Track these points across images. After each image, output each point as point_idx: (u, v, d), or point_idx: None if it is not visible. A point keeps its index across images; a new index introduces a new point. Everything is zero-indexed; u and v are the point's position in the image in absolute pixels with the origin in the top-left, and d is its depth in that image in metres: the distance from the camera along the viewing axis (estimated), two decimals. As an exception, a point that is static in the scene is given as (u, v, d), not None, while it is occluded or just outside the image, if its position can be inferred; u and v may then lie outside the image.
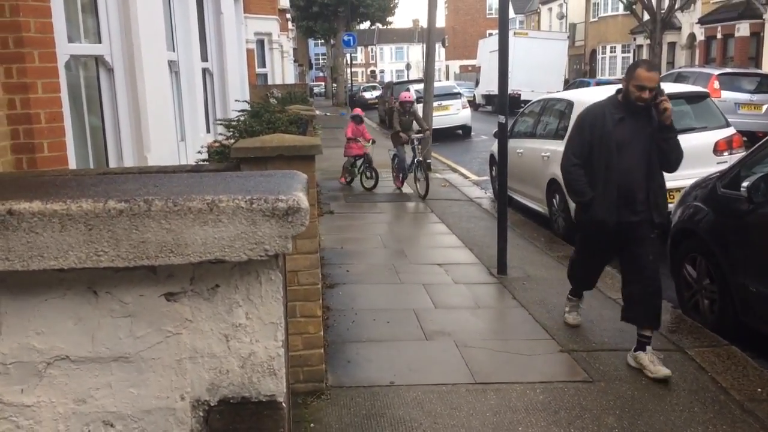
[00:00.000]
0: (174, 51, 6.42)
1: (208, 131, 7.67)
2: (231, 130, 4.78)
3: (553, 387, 4.06)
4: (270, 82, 18.34)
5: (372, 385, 4.11)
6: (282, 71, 22.33)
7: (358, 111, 12.14)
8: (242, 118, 5.53)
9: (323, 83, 60.75)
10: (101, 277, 1.21)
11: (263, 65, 18.97)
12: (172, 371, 1.24)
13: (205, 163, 4.51)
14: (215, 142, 5.45)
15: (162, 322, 1.22)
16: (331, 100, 43.60)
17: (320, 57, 69.41)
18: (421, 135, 10.74)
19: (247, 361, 1.25)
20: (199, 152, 5.61)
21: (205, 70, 8.00)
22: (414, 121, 10.96)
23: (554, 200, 8.00)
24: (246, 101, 7.58)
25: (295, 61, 34.42)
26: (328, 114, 30.22)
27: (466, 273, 6.54)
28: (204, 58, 7.93)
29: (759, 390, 3.93)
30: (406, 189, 11.16)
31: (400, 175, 11.00)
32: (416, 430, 3.58)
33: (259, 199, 1.15)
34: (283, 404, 1.26)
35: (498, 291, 6.05)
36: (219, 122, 5.40)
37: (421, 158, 10.50)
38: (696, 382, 4.07)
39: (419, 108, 12.99)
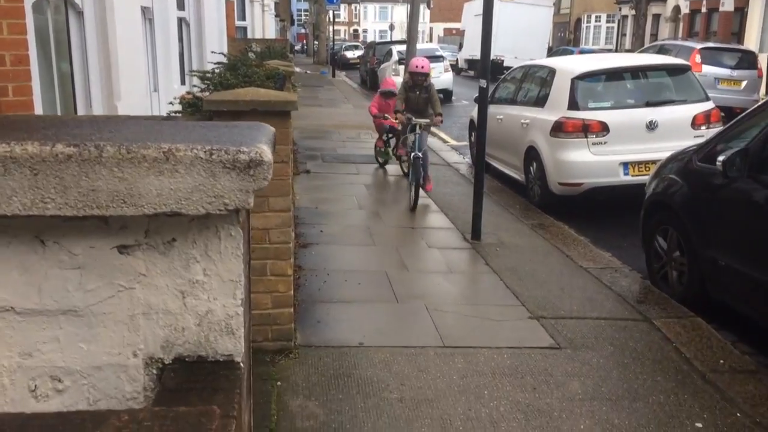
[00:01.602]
0: (149, -3, 6.20)
1: (183, 83, 7.48)
2: (206, 82, 4.65)
3: (521, 352, 4.09)
4: (249, 36, 17.94)
5: (341, 346, 4.10)
6: (262, 25, 21.85)
7: (390, 83, 9.57)
8: (218, 71, 5.38)
9: (305, 40, 59.70)
10: (49, 226, 1.14)
11: (243, 18, 18.51)
12: (125, 327, 1.18)
13: (178, 114, 4.39)
14: (188, 93, 5.31)
15: (114, 275, 1.17)
16: (312, 58, 42.92)
17: (302, 13, 68.04)
18: (427, 122, 7.54)
19: (204, 319, 1.20)
20: (171, 103, 5.46)
21: (181, 20, 7.76)
22: (428, 104, 7.73)
23: (531, 168, 7.98)
24: (223, 53, 7.38)
25: (276, 16, 33.67)
26: (308, 72, 29.79)
27: (440, 237, 6.54)
28: (180, 7, 7.68)
29: (721, 361, 4.00)
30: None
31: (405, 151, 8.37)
32: (383, 391, 3.58)
33: (219, 150, 1.08)
34: (241, 364, 1.22)
35: (471, 256, 6.05)
36: (193, 73, 5.25)
37: (420, 154, 7.33)
38: (660, 351, 4.13)
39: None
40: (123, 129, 1.23)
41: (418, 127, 7.44)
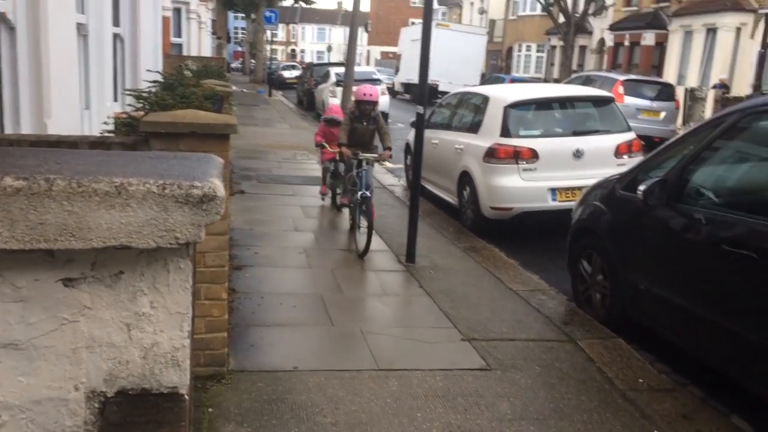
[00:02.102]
0: (83, 13, 6.06)
1: (116, 100, 7.32)
2: (141, 101, 4.58)
3: (453, 374, 4.18)
4: (185, 53, 17.69)
5: (275, 370, 4.09)
6: (198, 43, 21.59)
7: (334, 110, 9.01)
8: (154, 90, 5.31)
9: (241, 58, 59.19)
10: (-7, 258, 1.13)
11: (179, 35, 18.25)
12: (67, 360, 1.18)
13: (111, 135, 4.31)
14: (123, 113, 5.21)
15: (58, 308, 1.17)
16: (249, 77, 42.60)
17: (240, 31, 67.55)
18: (375, 156, 6.94)
19: (149, 351, 1.21)
20: (105, 123, 5.35)
21: (116, 36, 7.62)
22: (374, 136, 7.23)
23: (464, 192, 8.19)
24: (159, 72, 7.28)
25: (213, 33, 33.31)
26: (244, 90, 29.53)
27: (375, 260, 6.60)
28: (116, 23, 7.54)
29: (640, 380, 4.20)
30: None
31: (346, 195, 7.64)
32: (317, 416, 3.60)
33: (172, 185, 1.11)
34: (186, 396, 1.23)
35: (405, 279, 6.15)
36: (128, 92, 5.16)
37: (369, 193, 6.63)
38: (584, 371, 4.31)
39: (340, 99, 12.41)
40: (70, 160, 1.24)
41: (364, 163, 6.76)
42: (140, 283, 1.20)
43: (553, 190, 7.49)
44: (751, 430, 3.74)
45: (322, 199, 8.69)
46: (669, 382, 4.22)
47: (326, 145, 8.22)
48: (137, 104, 4.83)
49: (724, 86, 21.58)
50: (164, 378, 1.22)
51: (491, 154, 7.59)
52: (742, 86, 22.06)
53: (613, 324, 5.03)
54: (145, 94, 4.82)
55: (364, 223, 6.59)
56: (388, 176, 11.62)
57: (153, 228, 1.13)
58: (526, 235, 7.96)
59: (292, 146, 13.58)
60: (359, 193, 6.63)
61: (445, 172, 8.82)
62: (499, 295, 5.75)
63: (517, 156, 7.47)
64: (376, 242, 7.29)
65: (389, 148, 7.03)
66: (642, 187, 4.50)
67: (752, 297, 3.60)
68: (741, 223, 3.82)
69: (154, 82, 5.87)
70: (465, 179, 8.14)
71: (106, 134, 4.40)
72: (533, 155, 7.47)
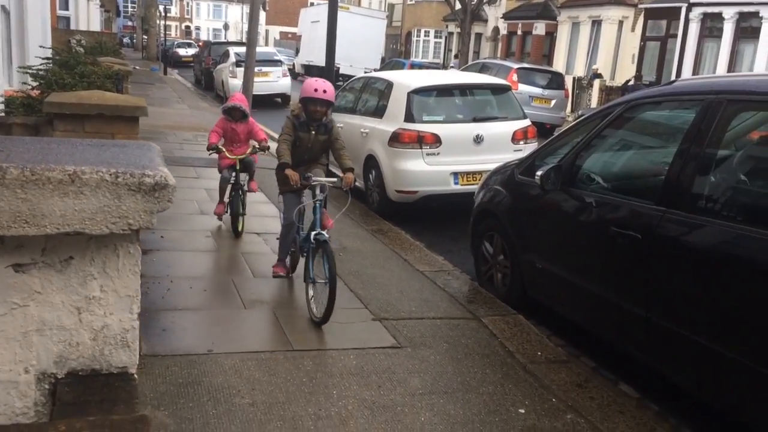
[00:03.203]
0: (-35, -18, 5.65)
1: (4, 76, 6.87)
2: (38, 80, 4.38)
3: (366, 353, 4.33)
4: (73, 27, 16.71)
5: (189, 354, 4.08)
6: (87, 16, 20.43)
7: (238, 98, 6.65)
8: (49, 67, 5.06)
9: (132, 33, 56.40)
10: (-61, 245, 1.13)
11: (66, 8, 17.20)
12: (17, 344, 1.20)
13: (8, 114, 4.10)
14: (18, 91, 4.93)
15: (8, 293, 1.18)
16: (141, 53, 40.69)
17: (129, 4, 64.22)
18: (334, 181, 5.00)
19: (99, 333, 1.24)
20: (-3, 101, 5.04)
21: (1, 8, 7.13)
22: (324, 151, 5.34)
23: (370, 176, 8.34)
24: (51, 47, 6.90)
25: (101, 6, 31.55)
26: (137, 68, 28.20)
27: (283, 243, 6.62)
28: (0, -7, 7.05)
29: (539, 353, 4.52)
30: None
31: (287, 250, 5.36)
32: (234, 397, 3.64)
33: (125, 173, 1.15)
34: (135, 375, 1.28)
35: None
36: (23, 70, 4.89)
37: (326, 235, 4.78)
38: (488, 347, 4.58)
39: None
40: (14, 147, 1.24)
41: (318, 191, 4.79)
42: (90, 267, 1.23)
43: (456, 174, 7.78)
44: (636, 394, 4.13)
45: (220, 220, 6.67)
46: (564, 354, 4.56)
47: (223, 150, 6.27)
48: (32, 83, 4.61)
49: (597, 76, 22.94)
50: (114, 358, 1.26)
51: (396, 139, 7.77)
52: (624, 76, 23.55)
53: (513, 301, 5.35)
54: (42, 73, 4.60)
55: (321, 277, 4.65)
56: (292, 159, 11.57)
57: (106, 215, 1.17)
58: (431, 217, 8.23)
59: (193, 127, 13.22)
60: (313, 233, 4.73)
61: (352, 156, 8.90)
62: (406, 276, 5.95)
63: (420, 141, 7.69)
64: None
65: (351, 170, 4.95)
66: (539, 173, 4.80)
67: (636, 274, 3.97)
68: (626, 205, 4.18)
69: (48, 59, 5.59)
70: (371, 163, 8.28)
71: (1, 114, 4.19)
72: (436, 140, 7.72)
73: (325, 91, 4.85)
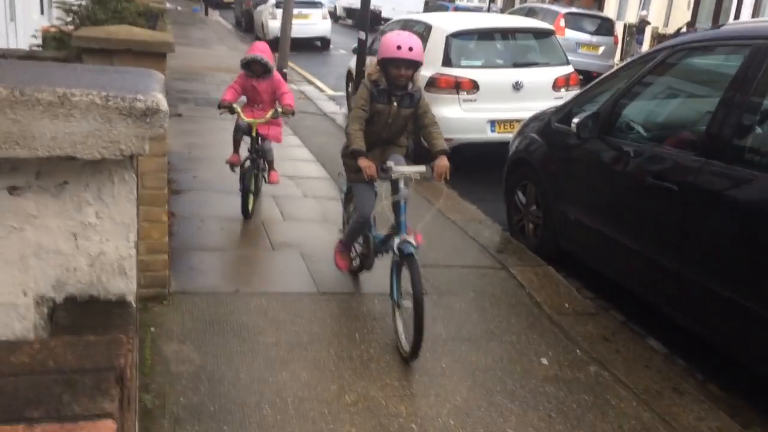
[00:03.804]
0: None
1: (42, 13, 6.91)
2: (71, 15, 4.37)
3: (390, 298, 4.33)
4: (114, -34, 16.66)
5: (216, 292, 4.14)
6: (129, -45, 20.32)
7: (257, 50, 5.37)
8: (84, 3, 5.05)
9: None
10: (-67, 165, 1.12)
11: (107, -55, 17.12)
12: (15, 267, 1.20)
13: (39, 49, 4.11)
14: (52, 26, 4.94)
15: (4, 216, 1.17)
16: (183, -6, 40.52)
17: (172, -56, 63.62)
18: (421, 172, 3.76)
19: (96, 259, 1.24)
20: (33, 36, 5.07)
21: (39, -57, 7.12)
22: (405, 128, 4.08)
23: (406, 122, 8.21)
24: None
25: (143, -55, 31.31)
26: (179, 8, 28.17)
27: (316, 187, 6.63)
28: (38, -71, 7.03)
29: (566, 305, 4.46)
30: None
31: (353, 246, 4.39)
32: (259, 335, 3.69)
33: (115, 97, 1.12)
34: (133, 303, 1.28)
35: (346, 206, 6.21)
36: (57, 4, 4.89)
37: (413, 243, 3.63)
38: (515, 296, 4.53)
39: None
40: (10, 70, 1.22)
41: (401, 184, 3.70)
42: (85, 193, 1.21)
43: (492, 122, 7.61)
44: (664, 350, 4.06)
45: (232, 170, 5.70)
46: (593, 307, 4.49)
47: (238, 110, 5.25)
48: (66, 18, 4.61)
49: (644, 22, 21.96)
50: (111, 285, 1.26)
51: (432, 84, 7.60)
52: (679, 23, 22.52)
53: (544, 253, 5.26)
54: (75, 8, 4.60)
55: (407, 299, 3.56)
56: (329, 103, 11.51)
57: (97, 139, 1.14)
58: (465, 165, 8.10)
59: (231, 69, 13.17)
60: (396, 241, 3.62)
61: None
62: (437, 224, 5.89)
63: (458, 86, 7.51)
64: (316, 169, 7.29)
65: (445, 153, 3.76)
66: (576, 120, 4.64)
67: (671, 227, 3.84)
68: (665, 156, 4.02)
69: (83, -6, 5.58)
70: (407, 109, 8.14)
71: (35, 48, 4.21)
72: (474, 86, 7.53)
73: (411, 49, 3.56)
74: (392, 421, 3.06)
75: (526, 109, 7.05)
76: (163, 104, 1.17)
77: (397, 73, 3.68)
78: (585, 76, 11.95)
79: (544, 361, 3.73)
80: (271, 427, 2.92)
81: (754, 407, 3.53)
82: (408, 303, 3.53)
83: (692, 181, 3.68)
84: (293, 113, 5.39)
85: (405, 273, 3.65)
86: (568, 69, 8.14)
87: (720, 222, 3.57)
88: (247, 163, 5.41)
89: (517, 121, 7.03)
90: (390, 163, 3.70)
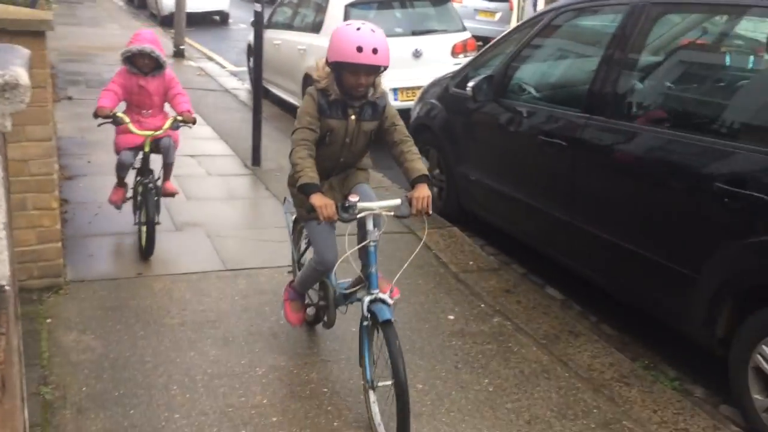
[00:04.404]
0: None
1: None
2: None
3: (300, 269, 4.35)
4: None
5: (117, 278, 4.04)
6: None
7: (144, 39, 4.31)
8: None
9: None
10: None
11: None
12: None
13: None
14: None
15: None
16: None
17: None
18: (395, 206, 2.88)
19: (-43, 244, 1.19)
20: None
21: None
22: (368, 145, 3.11)
23: (309, 94, 8.14)
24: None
25: None
26: (64, -14, 26.50)
27: (220, 165, 6.51)
28: None
29: (471, 263, 4.62)
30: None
31: (307, 290, 3.45)
32: (164, 318, 3.63)
33: (-35, 72, 1.07)
34: (6, 287, 1.24)
35: (252, 182, 6.15)
36: None
37: (389, 304, 2.76)
38: (422, 258, 4.64)
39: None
40: None
41: (371, 226, 2.86)
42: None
43: (395, 90, 7.66)
44: (561, 297, 4.29)
45: (117, 208, 4.67)
46: (495, 263, 4.67)
47: (124, 120, 4.15)
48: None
49: None
50: (-23, 271, 1.22)
51: (333, 55, 7.56)
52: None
53: (449, 214, 5.41)
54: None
55: (383, 374, 2.76)
56: (231, 79, 11.25)
57: (-52, 115, 1.09)
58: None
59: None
60: (367, 300, 2.80)
61: (289, 74, 8.69)
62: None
63: (358, 56, 7.50)
64: (220, 147, 7.15)
65: (423, 179, 2.91)
66: (471, 84, 4.75)
67: (561, 181, 4.03)
68: (554, 114, 4.20)
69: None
70: (309, 81, 8.06)
71: None
72: (374, 55, 7.54)
73: (376, 51, 2.65)
74: (304, 388, 3.10)
75: (426, 76, 7.14)
76: (24, 78, 1.13)
77: (356, 82, 2.76)
78: (484, 42, 12.17)
79: (451, 317, 3.87)
80: (181, 406, 2.90)
81: (642, 342, 3.80)
82: (384, 382, 2.65)
83: (578, 137, 3.87)
84: (194, 121, 4.38)
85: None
86: (466, 35, 8.29)
87: (603, 173, 3.78)
88: (140, 190, 4.37)
89: (419, 88, 7.11)
90: (353, 199, 2.73)
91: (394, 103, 7.64)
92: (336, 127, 2.91)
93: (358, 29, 2.71)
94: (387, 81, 7.56)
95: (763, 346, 2.85)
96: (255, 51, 6.76)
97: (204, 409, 2.89)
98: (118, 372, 3.11)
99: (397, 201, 2.85)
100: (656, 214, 3.39)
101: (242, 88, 10.50)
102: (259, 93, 6.64)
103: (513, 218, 4.70)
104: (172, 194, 4.79)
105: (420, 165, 2.93)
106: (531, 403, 3.09)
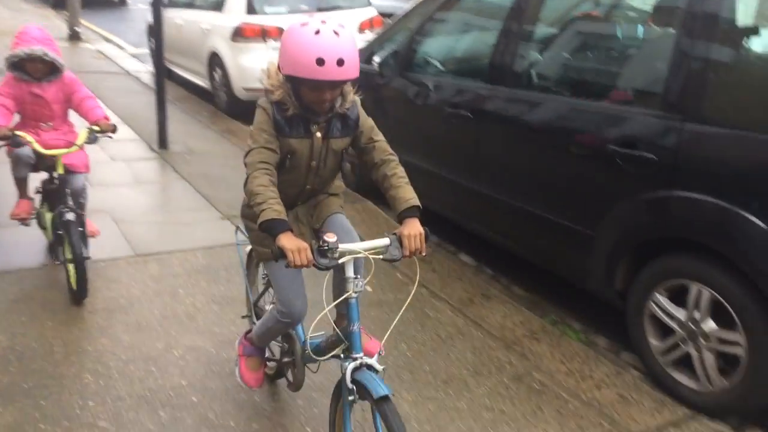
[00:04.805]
0: None
1: None
2: None
3: (214, 251, 4.29)
4: None
5: (20, 269, 3.87)
6: None
7: (33, 38, 3.63)
8: None
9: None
10: None
11: None
12: None
13: None
14: None
15: None
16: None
17: None
18: (383, 247, 2.18)
19: None
20: None
21: None
22: (340, 163, 2.58)
23: (215, 74, 7.96)
24: None
25: None
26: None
27: (124, 149, 6.28)
28: None
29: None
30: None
31: (268, 343, 2.80)
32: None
33: None
34: None
35: (160, 166, 5.98)
36: None
37: (377, 369, 2.13)
38: (338, 234, 4.68)
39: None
40: None
41: (350, 273, 2.17)
42: None
43: (305, 68, 7.60)
44: (474, 262, 4.43)
45: (24, 223, 4.05)
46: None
47: (24, 137, 3.51)
48: None
49: None
50: None
51: (239, 34, 7.42)
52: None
53: (363, 189, 5.46)
54: None
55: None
56: (132, 61, 10.81)
57: None
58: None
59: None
60: (349, 368, 2.14)
61: (193, 54, 8.45)
62: (243, 177, 5.87)
63: (264, 34, 7.40)
64: (124, 131, 6.87)
65: (414, 211, 2.32)
66: (377, 59, 4.79)
67: (469, 151, 4.15)
68: (459, 86, 4.30)
69: None
70: (215, 61, 7.89)
71: None
72: (280, 33, 7.44)
73: (341, 62, 2.08)
74: (224, 367, 3.08)
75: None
76: None
77: (318, 98, 2.22)
78: (390, 18, 12.20)
79: (368, 288, 3.92)
80: (95, 393, 2.82)
81: (549, 300, 4.00)
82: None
83: (482, 108, 3.99)
84: (114, 129, 3.76)
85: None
86: (372, 11, 8.31)
87: (507, 142, 3.92)
88: (55, 223, 3.65)
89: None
90: (330, 239, 2.06)
91: (304, 81, 7.60)
92: (298, 148, 2.31)
93: (318, 33, 2.06)
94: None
95: (656, 295, 3.07)
96: (155, 31, 6.53)
97: (120, 395, 2.83)
98: (26, 364, 2.98)
99: (386, 241, 2.20)
100: (556, 178, 3.55)
101: (144, 70, 10.12)
102: (162, 74, 6.43)
103: (425, 189, 4.77)
104: (92, 234, 3.99)
105: (410, 193, 2.34)
106: (448, 364, 3.21)
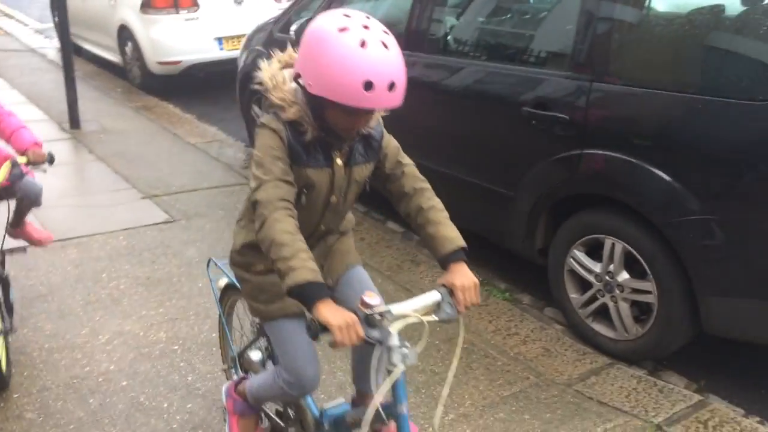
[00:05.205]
0: None
1: None
2: None
3: (137, 232, 4.19)
4: None
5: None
6: None
7: None
8: None
9: None
10: None
11: None
12: None
13: None
14: None
15: None
16: None
17: None
18: (434, 305, 1.72)
19: None
20: None
21: None
22: (354, 200, 1.98)
23: (127, 49, 7.64)
24: None
25: None
26: None
27: (34, 130, 5.94)
28: None
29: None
30: None
31: (264, 403, 2.23)
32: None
33: None
34: None
35: (73, 147, 5.74)
36: None
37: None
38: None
39: None
40: None
41: (394, 338, 1.60)
42: None
43: (220, 39, 7.40)
44: (401, 229, 4.49)
45: None
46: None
47: None
48: None
49: None
50: None
51: (148, 5, 7.13)
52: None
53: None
54: None
55: None
56: (37, 37, 10.24)
57: None
58: (200, 87, 7.85)
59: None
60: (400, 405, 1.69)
61: (101, 29, 8.07)
62: (177, 150, 5.73)
63: (176, 4, 7.14)
64: (31, 111, 6.54)
65: (461, 254, 1.85)
66: (293, 28, 4.71)
67: (386, 119, 4.16)
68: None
69: None
70: (125, 34, 7.57)
71: None
72: (193, 3, 7.21)
73: (392, 86, 1.60)
74: (153, 349, 3.04)
75: (251, 23, 6.96)
76: None
77: (351, 123, 1.75)
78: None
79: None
80: (19, 385, 2.74)
81: (475, 261, 4.08)
82: None
83: (402, 74, 4.00)
84: (52, 160, 3.10)
85: None
86: (288, -22, 8.11)
87: (426, 108, 3.95)
88: None
89: (243, 36, 6.93)
90: (373, 300, 1.61)
91: (221, 53, 7.41)
92: (316, 180, 1.80)
93: (364, 45, 1.56)
94: (211, 30, 7.42)
95: (575, 251, 3.21)
96: (59, 5, 6.19)
97: (46, 384, 2.75)
98: (-60, 362, 2.85)
99: (436, 296, 1.73)
100: (476, 142, 3.63)
101: (50, 46, 9.61)
102: (69, 50, 6.12)
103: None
104: (41, 243, 3.43)
105: (453, 230, 1.89)
106: (379, 330, 3.26)
